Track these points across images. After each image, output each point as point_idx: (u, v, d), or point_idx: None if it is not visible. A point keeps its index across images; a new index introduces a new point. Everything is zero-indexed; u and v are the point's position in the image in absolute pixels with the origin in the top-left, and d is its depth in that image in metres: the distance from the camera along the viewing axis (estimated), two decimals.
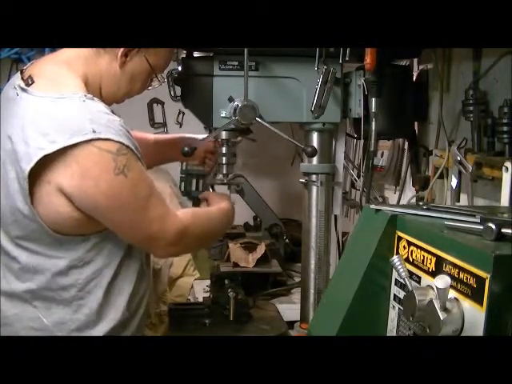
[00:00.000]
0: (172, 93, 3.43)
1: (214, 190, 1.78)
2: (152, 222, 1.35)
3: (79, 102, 1.28)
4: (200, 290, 2.52)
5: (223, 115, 1.74)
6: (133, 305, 1.45)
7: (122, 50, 1.39)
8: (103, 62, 1.39)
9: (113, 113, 1.38)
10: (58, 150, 1.22)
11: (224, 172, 1.81)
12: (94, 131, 1.23)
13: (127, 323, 1.44)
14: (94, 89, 1.39)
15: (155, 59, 1.45)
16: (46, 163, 1.24)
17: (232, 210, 1.65)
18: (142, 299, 1.49)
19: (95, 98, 1.33)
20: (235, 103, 1.70)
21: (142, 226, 1.35)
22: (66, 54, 1.39)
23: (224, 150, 1.79)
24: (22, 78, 1.34)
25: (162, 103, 3.48)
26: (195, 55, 1.80)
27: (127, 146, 1.28)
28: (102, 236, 1.37)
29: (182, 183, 3.39)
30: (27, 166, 1.23)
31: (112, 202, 1.29)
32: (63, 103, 1.27)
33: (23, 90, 1.31)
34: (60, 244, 1.33)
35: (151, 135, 1.91)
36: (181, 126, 3.50)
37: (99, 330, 1.39)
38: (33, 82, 1.32)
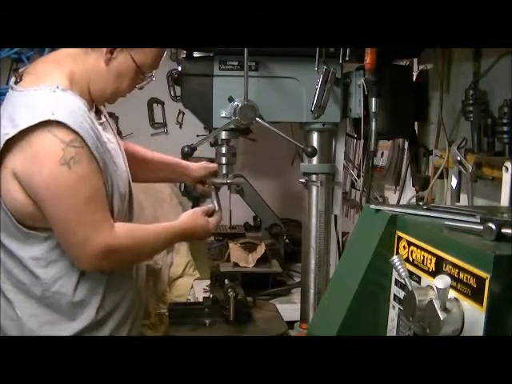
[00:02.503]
0: (172, 93, 3.46)
1: (216, 190, 1.76)
2: (83, 224, 1.32)
3: (49, 92, 1.31)
4: (200, 290, 2.53)
5: (223, 115, 1.74)
6: (109, 304, 1.45)
7: None
8: (90, 59, 1.41)
9: (96, 111, 1.41)
10: (19, 135, 1.26)
11: (224, 172, 1.81)
12: (52, 113, 1.26)
13: (104, 322, 1.45)
14: (82, 86, 1.41)
15: (141, 57, 1.44)
16: (9, 149, 1.28)
17: (188, 229, 1.56)
18: (121, 298, 1.49)
19: (69, 91, 1.35)
20: (235, 103, 1.70)
21: (72, 225, 1.32)
22: (57, 53, 1.42)
23: (224, 149, 1.79)
24: (15, 77, 1.39)
25: (162, 103, 3.48)
26: (195, 55, 1.80)
27: (83, 140, 1.29)
28: None
29: (182, 184, 3.39)
30: None
31: (50, 191, 1.29)
32: (35, 94, 1.31)
33: (12, 88, 1.37)
34: (25, 239, 1.36)
35: (151, 152, 1.86)
36: (181, 126, 3.50)
37: (73, 327, 1.40)
38: (20, 80, 1.36)
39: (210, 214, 1.63)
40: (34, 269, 1.37)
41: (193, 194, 2.01)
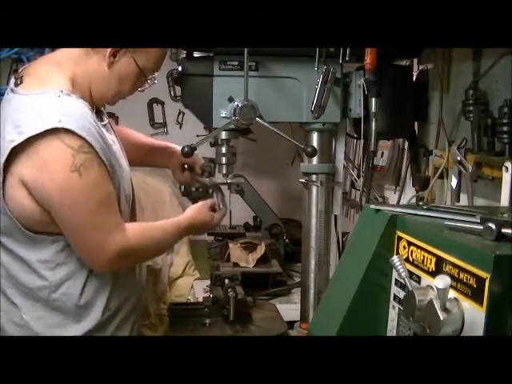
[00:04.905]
0: (172, 93, 3.46)
1: (219, 191, 1.78)
2: (97, 229, 1.33)
3: (54, 97, 1.30)
4: (200, 289, 2.53)
5: (223, 115, 1.74)
6: (114, 304, 1.46)
7: (109, 50, 1.39)
8: (92, 62, 1.40)
9: (97, 113, 1.40)
10: (25, 142, 1.24)
11: (224, 172, 1.81)
12: (59, 121, 1.25)
13: (108, 322, 1.45)
14: (83, 88, 1.40)
15: (144, 61, 1.44)
16: (15, 156, 1.26)
17: (194, 224, 1.59)
18: (126, 297, 1.49)
19: (73, 95, 1.34)
20: (235, 103, 1.70)
21: (86, 231, 1.33)
22: (58, 54, 1.41)
23: (224, 149, 1.79)
24: (15, 78, 1.37)
25: (162, 103, 3.48)
26: (195, 55, 1.80)
27: (91, 146, 1.29)
28: None
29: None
30: (1, 159, 1.26)
31: (63, 198, 1.29)
32: (39, 98, 1.30)
33: (12, 90, 1.35)
34: (32, 242, 1.35)
35: (140, 136, 1.84)
36: (181, 126, 3.50)
37: (80, 328, 1.40)
38: (21, 82, 1.35)
39: (213, 208, 1.66)
40: (42, 271, 1.36)
41: (193, 194, 2.01)
